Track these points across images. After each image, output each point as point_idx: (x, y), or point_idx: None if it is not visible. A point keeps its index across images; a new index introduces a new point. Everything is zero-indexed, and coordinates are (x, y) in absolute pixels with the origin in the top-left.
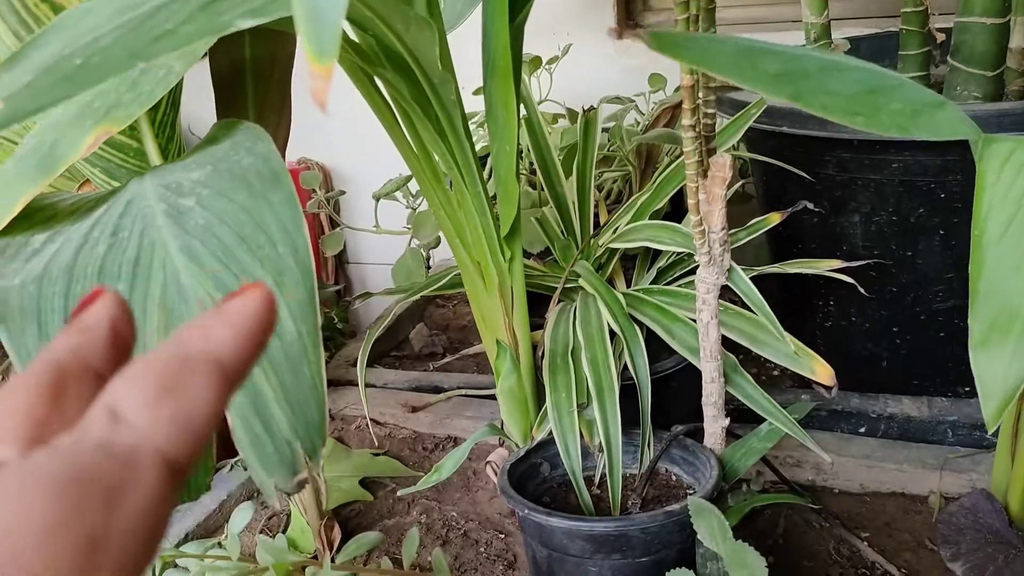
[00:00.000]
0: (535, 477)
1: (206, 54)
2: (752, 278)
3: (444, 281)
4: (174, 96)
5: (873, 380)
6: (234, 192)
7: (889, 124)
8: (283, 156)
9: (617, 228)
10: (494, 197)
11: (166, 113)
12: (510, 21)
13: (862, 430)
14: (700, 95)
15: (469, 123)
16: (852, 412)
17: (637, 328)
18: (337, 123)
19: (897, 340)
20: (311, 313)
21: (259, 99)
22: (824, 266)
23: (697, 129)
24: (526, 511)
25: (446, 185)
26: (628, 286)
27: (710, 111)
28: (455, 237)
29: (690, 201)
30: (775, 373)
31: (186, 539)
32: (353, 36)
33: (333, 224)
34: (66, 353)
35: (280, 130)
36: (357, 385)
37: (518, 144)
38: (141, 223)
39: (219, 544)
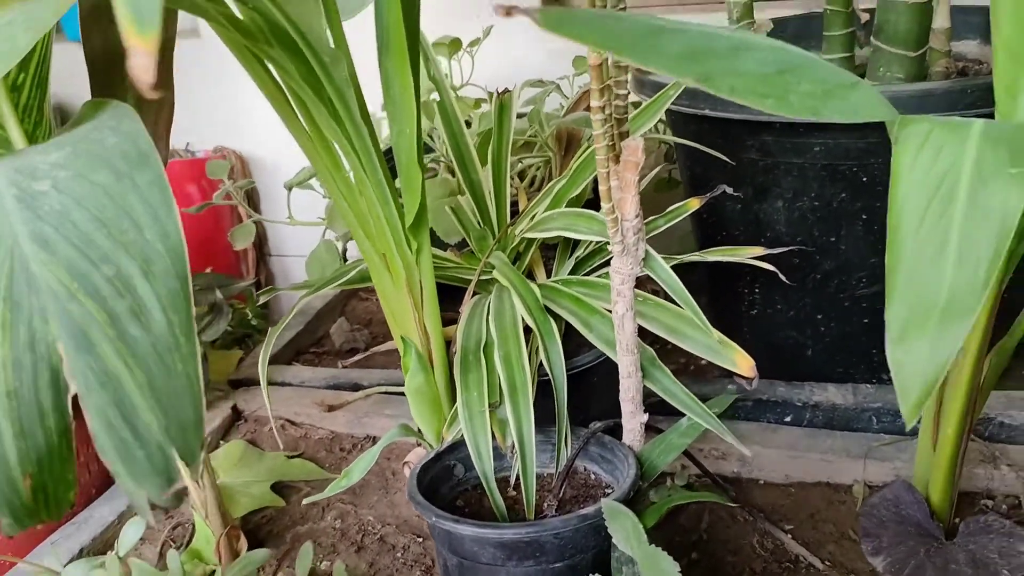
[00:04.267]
0: (449, 479)
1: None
2: (676, 267)
3: (352, 274)
4: (39, 77)
5: (799, 368)
6: (95, 173)
7: (800, 106)
8: (167, 140)
9: (534, 216)
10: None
11: (31, 96)
12: None
13: (788, 419)
14: (611, 74)
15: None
16: (778, 401)
17: (552, 322)
18: (257, 110)
19: (822, 328)
20: (183, 302)
21: None
22: (745, 254)
23: (607, 111)
24: (434, 518)
25: (346, 173)
26: (549, 276)
27: (622, 92)
28: (358, 228)
29: (601, 188)
30: (703, 362)
31: (80, 554)
32: (237, 12)
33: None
34: None
35: (162, 113)
36: (269, 384)
37: (429, 128)
38: None
39: (103, 565)
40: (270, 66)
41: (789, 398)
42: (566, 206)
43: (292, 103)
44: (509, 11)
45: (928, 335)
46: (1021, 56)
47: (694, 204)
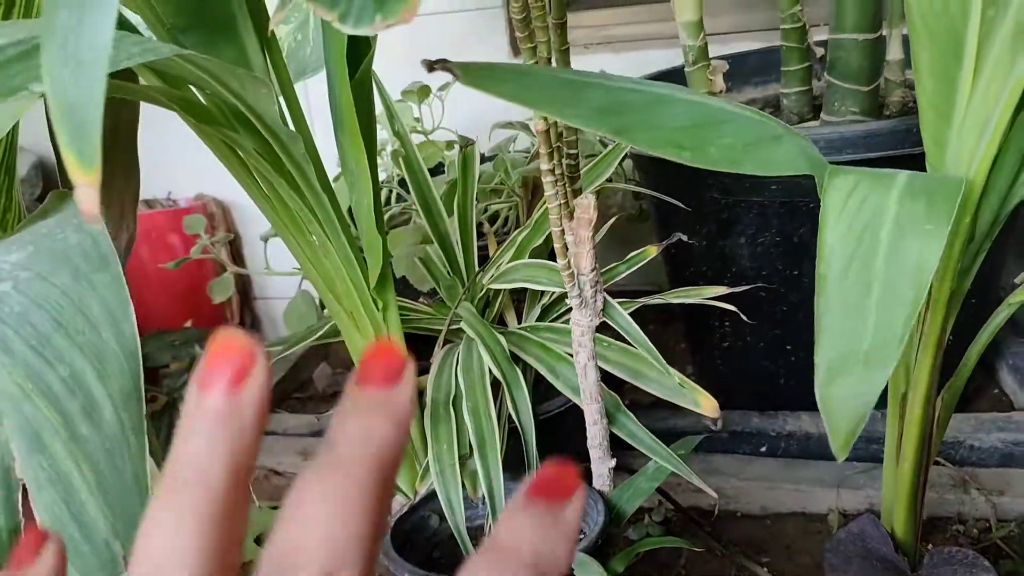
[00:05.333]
0: (424, 531)
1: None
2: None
3: (326, 329)
4: (6, 164)
5: (772, 398)
6: (55, 275)
7: (719, 158)
8: (135, 209)
9: (499, 266)
10: None
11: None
12: (351, 76)
13: (763, 450)
14: (562, 134)
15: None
16: (753, 432)
17: (519, 372)
18: None
19: (792, 358)
20: (135, 401)
21: (104, 163)
22: (709, 293)
23: (557, 172)
24: (405, 573)
25: (310, 237)
26: (520, 321)
27: (572, 151)
28: (325, 289)
29: (556, 245)
30: None
31: None
32: (199, 96)
33: (234, 266)
34: None
35: (127, 194)
36: None
37: (399, 176)
38: None
39: None
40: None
41: (764, 428)
42: (529, 256)
43: (254, 174)
44: (432, 66)
45: (852, 380)
46: (944, 112)
47: (652, 251)
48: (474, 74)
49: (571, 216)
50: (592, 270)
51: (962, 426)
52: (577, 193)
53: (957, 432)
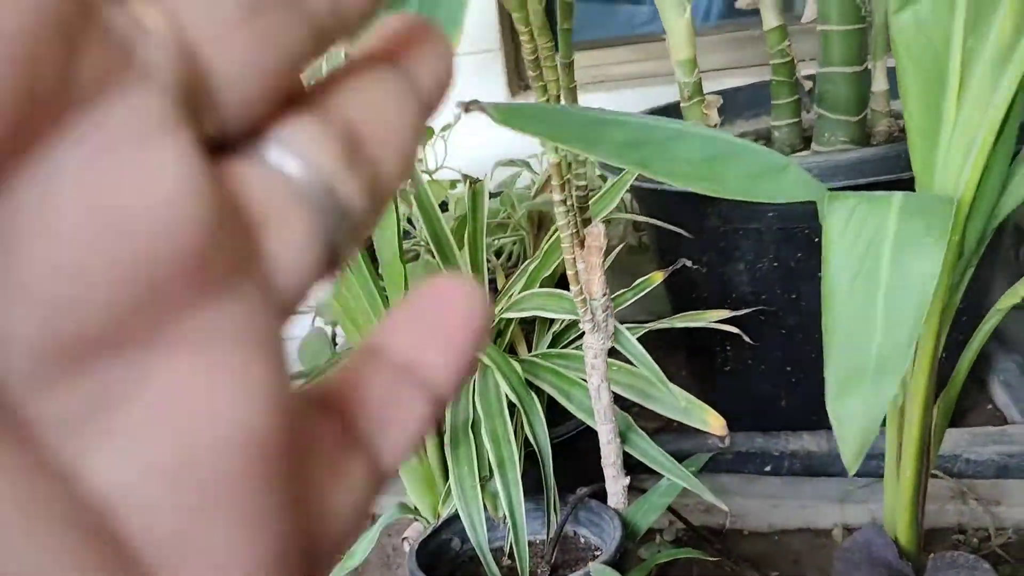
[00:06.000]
0: (447, 553)
1: None
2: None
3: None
4: None
5: (775, 418)
6: None
7: (733, 189)
8: None
9: (511, 296)
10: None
11: None
12: None
13: (768, 469)
14: (572, 167)
15: None
16: (757, 452)
17: (535, 397)
18: None
19: (792, 379)
20: None
21: None
22: (711, 317)
23: (568, 203)
24: None
25: None
26: (530, 349)
27: (581, 183)
28: (346, 319)
29: (569, 272)
30: None
31: None
32: None
33: None
34: None
35: None
36: None
37: (407, 214)
38: None
39: None
40: None
41: (767, 448)
42: (540, 285)
43: None
44: (468, 107)
45: (862, 392)
46: (931, 136)
47: (658, 277)
48: (507, 115)
49: (582, 244)
50: (603, 295)
51: (959, 440)
52: (587, 222)
53: (954, 446)
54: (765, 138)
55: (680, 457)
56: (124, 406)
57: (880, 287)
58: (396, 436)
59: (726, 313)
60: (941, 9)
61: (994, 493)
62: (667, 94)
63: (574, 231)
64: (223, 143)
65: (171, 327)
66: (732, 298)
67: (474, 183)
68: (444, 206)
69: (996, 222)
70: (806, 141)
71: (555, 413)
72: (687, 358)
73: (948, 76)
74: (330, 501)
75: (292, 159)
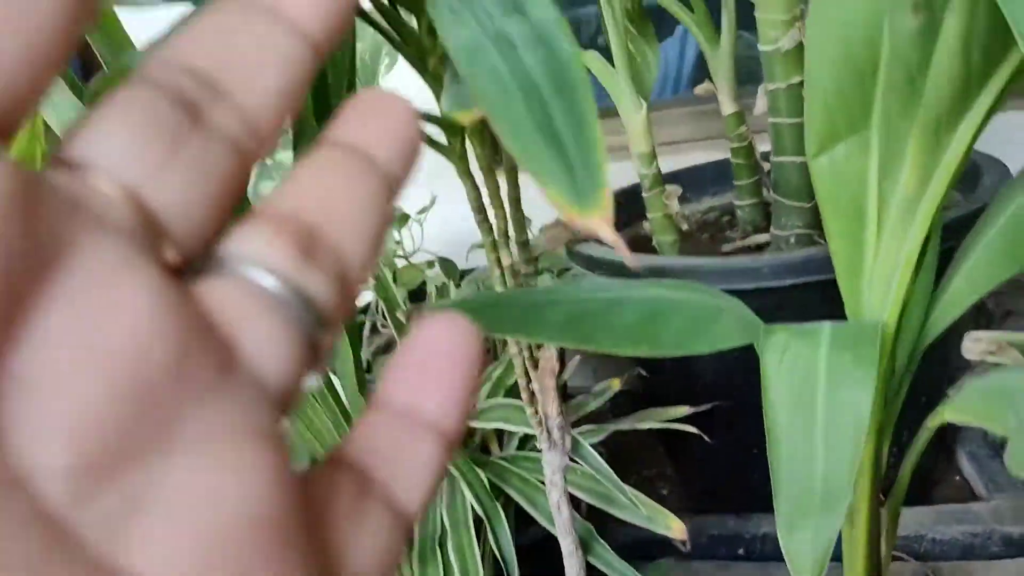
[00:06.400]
0: None
1: None
2: None
3: None
4: None
5: (746, 499)
6: None
7: (671, 346)
8: None
9: (475, 402)
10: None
11: None
12: None
13: (740, 551)
14: (518, 274)
15: None
16: (730, 535)
17: (499, 507)
18: None
19: (761, 460)
20: None
21: None
22: (674, 415)
23: None
24: None
25: None
26: (502, 448)
27: None
28: (318, 447)
29: (523, 395)
30: (664, 492)
31: None
32: None
33: None
34: None
35: None
36: None
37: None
38: None
39: None
40: None
41: (739, 531)
42: (503, 395)
43: None
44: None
45: (812, 523)
46: (855, 269)
47: (616, 384)
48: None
49: (535, 366)
50: (559, 414)
51: (923, 519)
52: (539, 345)
53: (919, 526)
54: (731, 213)
55: (650, 544)
56: (152, 504)
57: (817, 420)
58: (410, 478)
59: (687, 410)
60: (855, 155)
61: (960, 575)
62: (631, 170)
63: (527, 355)
64: (188, 264)
65: (177, 431)
66: (700, 383)
67: (442, 287)
68: (423, 287)
69: (923, 346)
70: (768, 218)
71: (527, 516)
72: (659, 443)
73: (866, 214)
74: (355, 545)
75: (250, 267)
